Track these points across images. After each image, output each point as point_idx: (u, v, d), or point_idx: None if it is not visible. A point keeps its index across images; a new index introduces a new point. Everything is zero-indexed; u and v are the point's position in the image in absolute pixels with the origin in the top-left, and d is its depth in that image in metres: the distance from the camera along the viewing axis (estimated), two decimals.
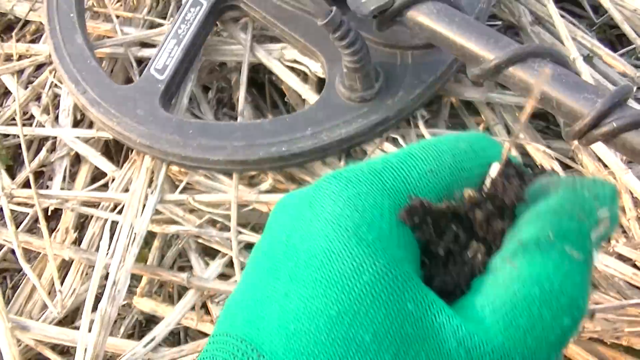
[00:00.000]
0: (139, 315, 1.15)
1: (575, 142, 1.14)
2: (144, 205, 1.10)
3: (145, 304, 1.12)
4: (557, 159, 1.14)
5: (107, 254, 1.08)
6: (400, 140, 1.11)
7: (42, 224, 1.12)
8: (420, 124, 1.11)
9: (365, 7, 1.02)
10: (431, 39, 1.02)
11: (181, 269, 1.17)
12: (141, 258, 1.16)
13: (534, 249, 0.48)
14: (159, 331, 1.05)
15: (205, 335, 1.09)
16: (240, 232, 1.10)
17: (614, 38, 1.41)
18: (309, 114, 1.09)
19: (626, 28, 1.27)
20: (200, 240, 1.13)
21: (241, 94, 1.16)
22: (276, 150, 1.07)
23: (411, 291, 0.47)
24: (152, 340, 1.04)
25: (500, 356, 0.46)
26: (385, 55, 1.12)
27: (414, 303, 0.47)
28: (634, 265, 1.02)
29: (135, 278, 1.16)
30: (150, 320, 1.18)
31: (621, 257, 1.03)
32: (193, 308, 1.10)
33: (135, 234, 1.08)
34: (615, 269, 1.00)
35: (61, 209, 1.17)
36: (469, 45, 0.97)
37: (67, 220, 1.17)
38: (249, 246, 1.13)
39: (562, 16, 1.28)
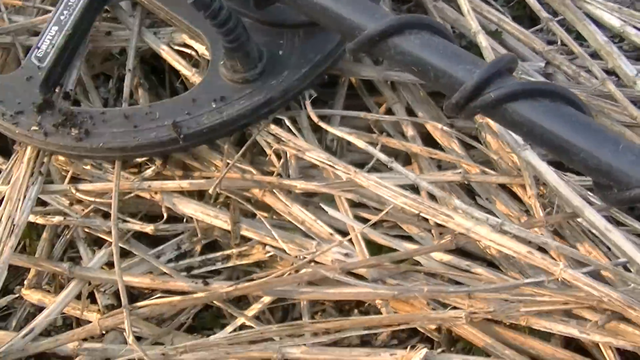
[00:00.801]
0: (30, 308, 1.12)
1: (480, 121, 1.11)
2: (25, 198, 1.07)
3: (33, 296, 1.09)
4: (458, 138, 1.10)
5: None
6: (288, 122, 1.07)
7: None
8: (308, 104, 1.07)
9: None
10: (308, 14, 0.98)
11: (71, 259, 1.13)
12: (31, 250, 1.13)
13: None
14: (39, 321, 1.02)
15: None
16: (123, 221, 1.07)
17: (535, 15, 1.36)
18: (190, 97, 1.06)
19: (533, 3, 1.23)
20: (88, 230, 1.10)
21: (127, 80, 1.13)
22: (156, 136, 1.04)
23: None
24: (31, 331, 1.01)
25: None
26: (271, 35, 1.09)
27: None
28: (529, 244, 0.98)
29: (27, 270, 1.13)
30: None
31: (517, 237, 0.99)
32: (80, 298, 1.07)
33: (14, 225, 1.05)
34: (510, 248, 0.96)
35: None
36: (345, 18, 0.94)
37: None
38: (136, 235, 1.10)
39: None
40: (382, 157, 1.00)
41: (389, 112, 1.15)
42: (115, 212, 1.04)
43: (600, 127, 0.86)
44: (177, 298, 0.98)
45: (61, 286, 1.11)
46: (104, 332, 0.99)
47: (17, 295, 1.11)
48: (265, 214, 1.06)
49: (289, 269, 0.98)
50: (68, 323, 1.14)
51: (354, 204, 1.05)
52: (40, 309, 1.12)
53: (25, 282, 1.10)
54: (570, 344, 0.99)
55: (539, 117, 0.85)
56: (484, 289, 0.95)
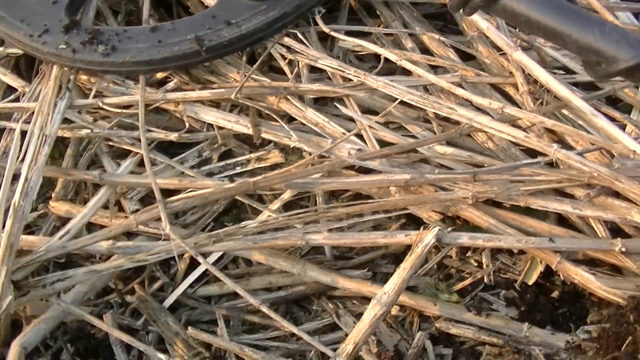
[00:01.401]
0: (56, 222, 1.18)
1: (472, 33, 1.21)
2: (54, 111, 1.13)
3: (61, 208, 1.15)
4: (452, 47, 1.20)
5: (18, 158, 1.10)
6: (300, 36, 1.16)
7: None
8: (318, 18, 1.17)
9: None
10: None
11: None
12: (55, 165, 1.19)
13: None
14: (73, 224, 1.09)
15: None
16: (149, 130, 1.14)
17: None
18: (210, 14, 1.15)
19: None
20: (111, 144, 1.18)
21: (145, 3, 1.20)
22: (179, 49, 1.12)
23: None
24: (67, 232, 1.08)
25: None
26: None
27: None
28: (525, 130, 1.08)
29: (51, 188, 1.19)
30: None
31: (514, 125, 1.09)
32: (107, 207, 1.14)
33: (46, 136, 1.11)
34: (509, 133, 1.06)
35: None
36: None
37: None
38: (159, 145, 1.18)
39: None
40: (391, 55, 1.10)
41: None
42: (143, 119, 1.11)
43: (588, 13, 0.98)
44: (209, 190, 1.06)
45: (85, 201, 1.18)
46: (139, 226, 1.06)
47: (41, 211, 1.17)
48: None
49: (309, 159, 1.06)
50: None
51: (362, 111, 1.15)
52: (66, 221, 1.18)
53: (53, 194, 1.17)
54: (563, 222, 1.10)
55: (534, 8, 0.96)
56: (487, 170, 1.05)
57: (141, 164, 1.15)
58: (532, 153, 1.09)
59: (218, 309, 1.09)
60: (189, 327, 1.03)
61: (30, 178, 1.07)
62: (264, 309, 0.98)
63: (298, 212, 1.05)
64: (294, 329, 0.97)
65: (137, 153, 1.15)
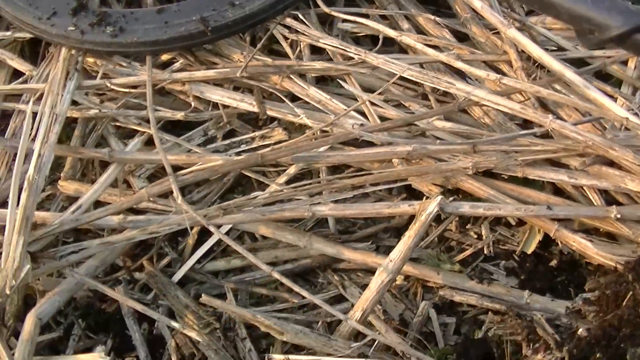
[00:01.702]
0: (64, 202, 1.20)
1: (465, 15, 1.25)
2: (64, 91, 1.16)
3: (69, 187, 1.18)
4: (447, 27, 1.24)
5: (30, 136, 1.13)
6: (301, 17, 1.20)
7: None
8: (319, 1, 1.21)
9: None
10: None
11: None
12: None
13: None
14: (84, 200, 1.11)
15: None
16: (156, 110, 1.17)
17: None
18: None
19: None
20: (118, 124, 1.20)
21: None
22: (185, 29, 1.16)
23: None
24: (79, 207, 1.10)
25: None
26: None
27: None
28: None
29: (58, 170, 1.22)
30: None
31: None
32: (116, 186, 1.16)
33: (56, 115, 1.14)
34: (506, 105, 1.10)
35: None
36: None
37: None
38: (164, 126, 1.21)
39: None
40: (391, 32, 1.14)
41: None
42: (151, 97, 1.14)
43: None
44: (219, 162, 1.09)
45: (93, 181, 1.20)
46: (150, 199, 1.08)
47: (49, 192, 1.20)
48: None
49: (316, 128, 1.09)
50: None
51: (363, 90, 1.19)
52: (74, 200, 1.20)
53: (62, 174, 1.19)
54: (559, 194, 1.13)
55: None
56: (486, 140, 1.09)
57: (148, 143, 1.19)
58: (527, 128, 1.14)
59: (226, 283, 1.11)
60: (203, 295, 1.05)
61: (43, 154, 1.09)
62: (276, 275, 1.00)
63: (304, 184, 1.08)
64: (305, 293, 1.00)
65: (144, 132, 1.18)
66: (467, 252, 1.13)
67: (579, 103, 1.10)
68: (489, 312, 1.07)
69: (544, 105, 1.17)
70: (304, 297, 1.05)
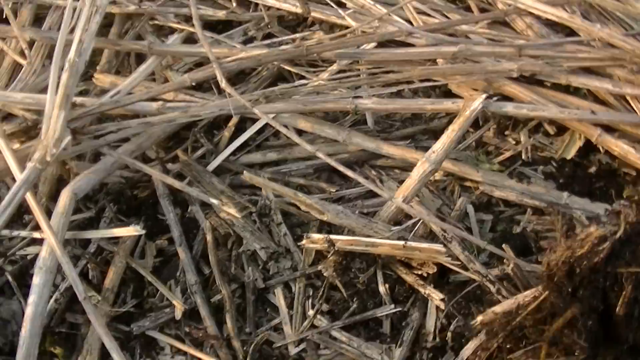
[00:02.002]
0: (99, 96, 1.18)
1: None
2: None
3: (105, 79, 1.17)
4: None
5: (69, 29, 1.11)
6: None
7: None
8: None
9: None
10: None
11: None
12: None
13: None
14: (123, 86, 1.10)
15: None
16: (199, 8, 1.16)
17: None
18: None
19: None
20: (157, 22, 1.19)
21: None
22: None
23: None
24: (117, 92, 1.08)
25: None
26: None
27: None
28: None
29: (92, 68, 1.20)
30: None
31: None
32: (154, 79, 1.15)
33: (97, 7, 1.12)
34: (554, 14, 1.11)
35: None
36: None
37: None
38: (204, 26, 1.19)
39: None
40: None
41: None
42: None
43: None
44: (263, 52, 1.08)
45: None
46: (193, 84, 1.07)
47: (82, 89, 1.18)
48: None
49: (362, 24, 1.08)
50: None
51: None
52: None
53: (98, 67, 1.18)
54: (601, 104, 1.13)
55: None
56: (532, 44, 1.09)
57: (186, 41, 1.17)
58: None
59: (263, 173, 1.10)
60: (244, 172, 1.03)
61: (83, 40, 1.08)
62: (320, 155, 0.99)
63: (347, 75, 1.08)
64: (350, 174, 0.97)
65: (183, 30, 1.17)
66: (506, 155, 1.13)
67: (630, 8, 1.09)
68: (527, 211, 1.07)
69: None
70: (340, 189, 1.05)
